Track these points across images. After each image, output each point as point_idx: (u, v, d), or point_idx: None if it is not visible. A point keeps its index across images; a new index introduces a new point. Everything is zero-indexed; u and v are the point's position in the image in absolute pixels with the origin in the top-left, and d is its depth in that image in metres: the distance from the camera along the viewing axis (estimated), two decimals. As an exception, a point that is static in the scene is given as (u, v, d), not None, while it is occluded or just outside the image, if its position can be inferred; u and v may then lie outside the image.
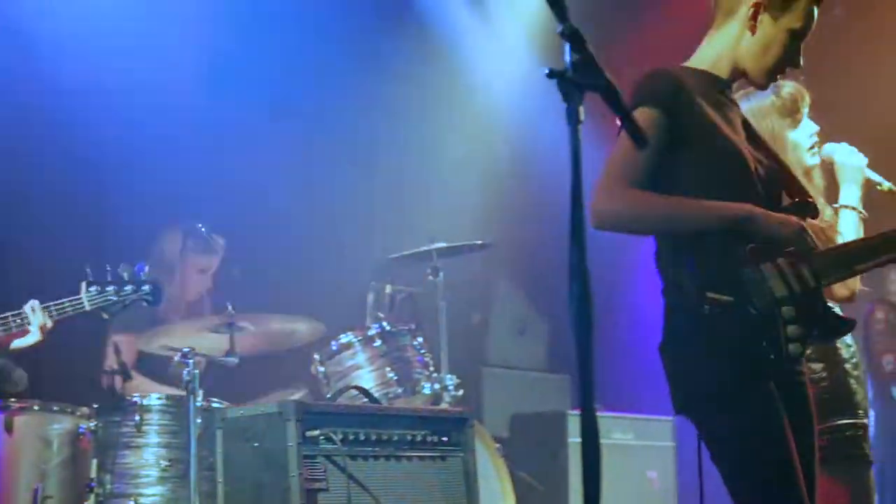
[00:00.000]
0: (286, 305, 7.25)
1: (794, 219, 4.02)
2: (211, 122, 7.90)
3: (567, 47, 2.98)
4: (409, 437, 5.28)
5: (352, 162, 8.44)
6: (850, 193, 5.22)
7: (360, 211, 8.14)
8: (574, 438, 7.68)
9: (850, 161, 5.27)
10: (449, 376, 7.06)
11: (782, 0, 4.15)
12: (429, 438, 5.36)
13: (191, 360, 6.46)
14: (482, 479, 5.75)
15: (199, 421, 6.29)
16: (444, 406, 6.80)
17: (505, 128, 9.33)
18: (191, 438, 6.28)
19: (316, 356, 7.05)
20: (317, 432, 4.92)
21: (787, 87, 5.47)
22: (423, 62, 9.07)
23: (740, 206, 3.95)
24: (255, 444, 5.07)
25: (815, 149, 5.40)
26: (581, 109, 2.95)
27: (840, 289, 5.05)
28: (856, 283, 5.23)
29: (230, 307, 6.66)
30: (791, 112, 5.42)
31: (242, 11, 8.32)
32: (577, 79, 2.95)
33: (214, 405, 6.49)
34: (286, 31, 8.48)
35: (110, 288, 4.51)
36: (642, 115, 3.93)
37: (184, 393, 6.36)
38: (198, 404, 6.38)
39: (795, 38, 4.18)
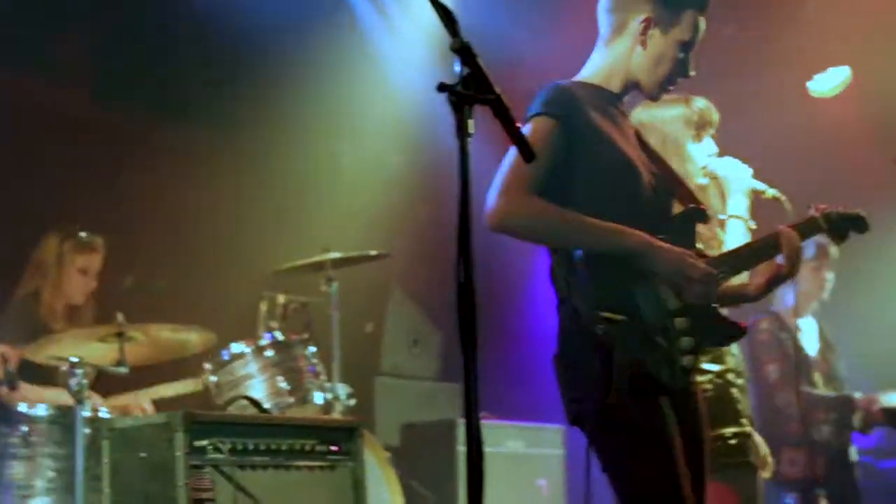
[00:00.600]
0: (177, 315, 7.22)
1: (684, 255, 4.05)
2: (100, 128, 7.86)
3: (457, 61, 3.03)
4: (298, 447, 5.27)
5: (245, 170, 8.42)
6: (737, 204, 5.27)
7: (253, 220, 8.11)
8: (464, 447, 7.68)
9: (735, 173, 5.34)
10: (341, 386, 7.07)
11: (670, 13, 4.23)
12: (318, 448, 5.36)
13: (79, 371, 6.42)
14: (372, 488, 5.76)
15: (86, 431, 6.24)
16: (335, 415, 6.80)
17: (401, 138, 9.35)
18: (77, 450, 6.23)
19: (207, 366, 7.01)
20: (205, 442, 4.90)
21: (700, 102, 5.55)
22: (319, 71, 9.07)
23: (638, 238, 3.97)
24: (143, 455, 5.03)
25: (707, 168, 5.47)
26: (471, 123, 2.99)
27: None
28: None
29: (120, 316, 6.62)
30: (697, 126, 5.47)
31: (133, 13, 8.27)
32: (467, 92, 2.99)
33: (102, 415, 6.45)
34: (178, 34, 8.44)
35: None
36: (538, 124, 3.99)
37: (72, 403, 6.32)
38: (85, 414, 6.33)
39: (684, 49, 4.27)
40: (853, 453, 7.04)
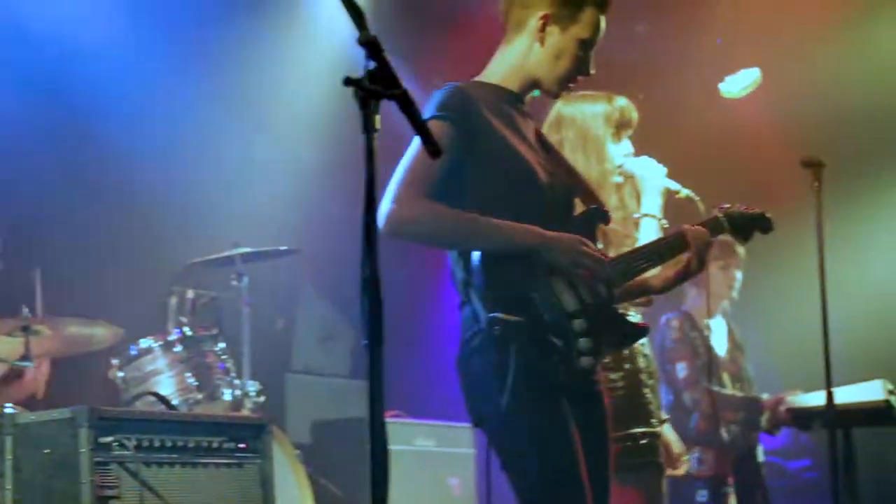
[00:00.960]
0: (85, 309, 7.16)
1: (575, 240, 4.05)
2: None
3: (364, 55, 3.01)
4: (205, 444, 5.24)
5: (154, 163, 8.36)
6: (651, 203, 5.31)
7: (162, 214, 8.04)
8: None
9: (650, 172, 5.37)
10: (251, 382, 7.05)
11: (569, 11, 4.21)
12: (226, 445, 5.33)
13: (-19, 364, 6.36)
14: (281, 486, 5.74)
15: (-9, 426, 6.18)
16: (245, 413, 6.78)
17: (317, 132, 9.32)
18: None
19: (114, 361, 6.97)
20: (110, 438, 4.84)
21: (622, 101, 5.58)
22: (228, 61, 9.03)
23: (531, 232, 3.98)
24: (46, 451, 4.98)
25: (623, 167, 5.50)
26: (377, 118, 2.98)
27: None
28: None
29: (25, 310, 6.56)
30: (618, 125, 5.49)
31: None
32: (374, 87, 2.98)
33: (6, 411, 6.38)
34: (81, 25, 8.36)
35: None
36: (434, 127, 3.93)
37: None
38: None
39: (584, 47, 4.25)
40: (760, 453, 7.09)
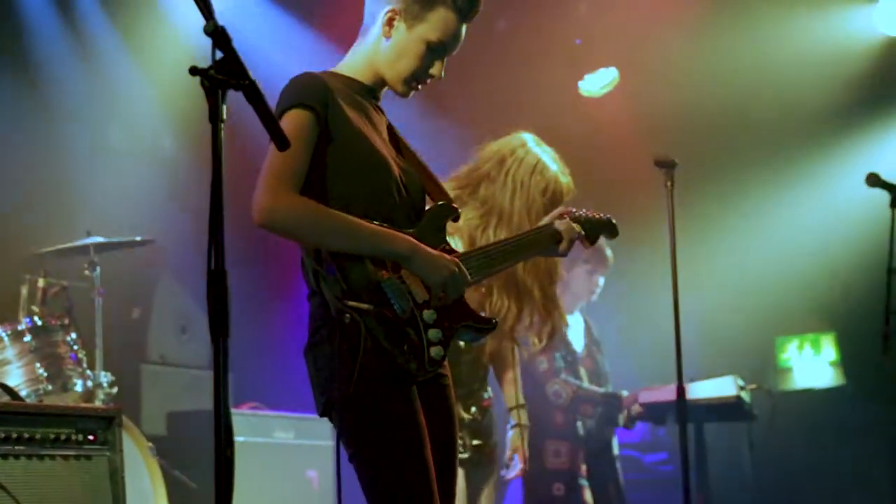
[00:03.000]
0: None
1: (449, 264, 4.07)
2: None
3: (211, 45, 3.02)
4: (52, 436, 5.18)
5: (5, 151, 8.27)
6: None
7: (12, 201, 7.96)
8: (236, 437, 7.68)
9: None
10: (104, 373, 7.00)
11: (418, 9, 4.18)
12: (74, 437, 5.27)
13: None
14: (132, 479, 5.70)
15: None
16: (98, 404, 6.73)
17: (175, 121, 9.29)
18: None
19: (-38, 350, 6.91)
20: (-47, 430, 4.82)
21: (567, 179, 5.61)
22: (86, 49, 8.97)
23: (404, 243, 3.99)
24: None
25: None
26: (224, 108, 2.99)
27: None
28: None
29: None
30: (552, 201, 5.47)
31: None
32: (220, 77, 2.99)
33: None
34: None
35: None
36: (294, 117, 3.95)
37: None
38: None
39: (432, 50, 4.20)
40: (615, 447, 7.18)
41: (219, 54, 3.02)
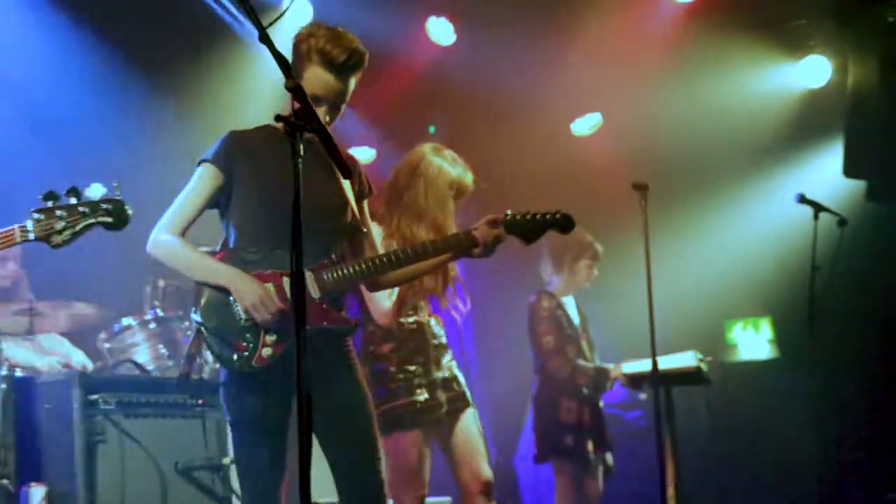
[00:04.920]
0: (78, 293, 7.12)
1: (255, 292, 3.87)
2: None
3: (291, 98, 3.05)
4: (172, 401, 5.26)
5: (120, 174, 8.21)
6: None
7: (136, 211, 7.97)
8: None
9: None
10: (209, 353, 7.03)
11: (296, 67, 4.04)
12: (189, 401, 5.35)
13: (-3, 338, 6.31)
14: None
15: (3, 387, 6.13)
16: (204, 376, 6.78)
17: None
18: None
19: (101, 335, 6.95)
20: (96, 396, 4.86)
21: (470, 176, 5.49)
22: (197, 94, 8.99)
23: (227, 275, 3.91)
24: (48, 406, 4.97)
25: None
26: (301, 146, 3.02)
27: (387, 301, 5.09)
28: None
29: (30, 295, 6.53)
30: (458, 189, 5.35)
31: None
32: (298, 123, 3.01)
33: (17, 375, 6.34)
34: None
35: (60, 213, 3.14)
36: (198, 171, 4.01)
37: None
38: (2, 373, 6.22)
39: (316, 102, 3.98)
40: (601, 405, 7.13)
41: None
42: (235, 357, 3.86)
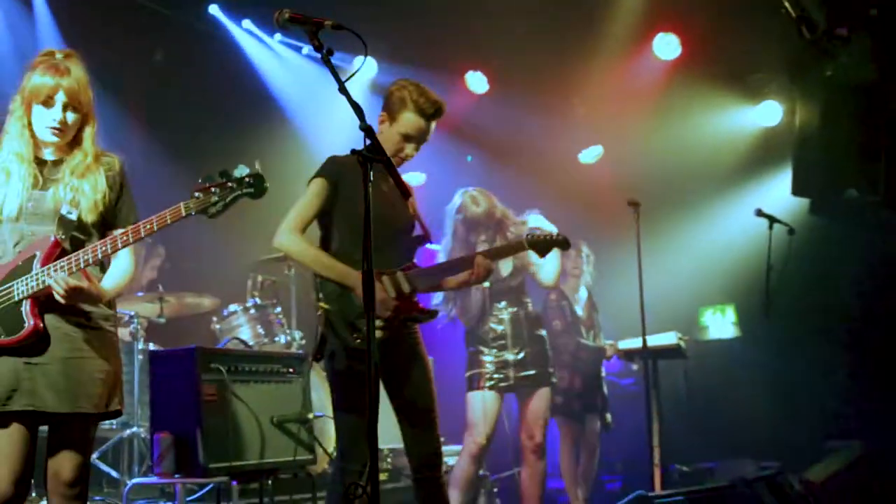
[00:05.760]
0: (197, 286, 7.19)
1: (380, 295, 3.84)
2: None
3: (364, 136, 3.08)
4: (268, 370, 5.27)
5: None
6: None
7: (243, 226, 8.04)
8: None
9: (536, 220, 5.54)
10: (297, 332, 7.07)
11: (393, 113, 4.06)
12: (281, 370, 5.36)
13: (135, 319, 6.38)
14: (315, 393, 5.78)
15: (140, 358, 6.20)
16: (293, 350, 6.82)
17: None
18: (135, 368, 6.19)
19: (214, 318, 7.01)
20: (211, 365, 4.90)
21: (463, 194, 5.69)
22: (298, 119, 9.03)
23: (353, 279, 3.79)
24: (175, 372, 5.02)
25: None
26: (371, 174, 3.04)
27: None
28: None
29: (160, 287, 6.60)
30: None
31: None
32: (369, 156, 3.04)
33: (151, 348, 6.41)
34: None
35: (214, 189, 3.10)
36: (314, 183, 3.96)
37: (131, 340, 6.28)
38: (140, 347, 6.29)
39: (406, 140, 4.04)
40: (603, 373, 7.09)
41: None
42: (354, 335, 3.82)
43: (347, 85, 3.10)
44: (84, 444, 3.34)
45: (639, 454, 6.70)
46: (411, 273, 4.02)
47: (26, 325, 3.22)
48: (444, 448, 4.48)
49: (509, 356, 5.62)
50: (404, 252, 4.09)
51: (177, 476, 4.71)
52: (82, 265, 3.22)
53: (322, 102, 8.80)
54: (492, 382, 5.56)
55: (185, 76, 8.28)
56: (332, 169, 3.98)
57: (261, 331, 6.84)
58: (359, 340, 3.81)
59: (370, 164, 3.05)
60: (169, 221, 3.17)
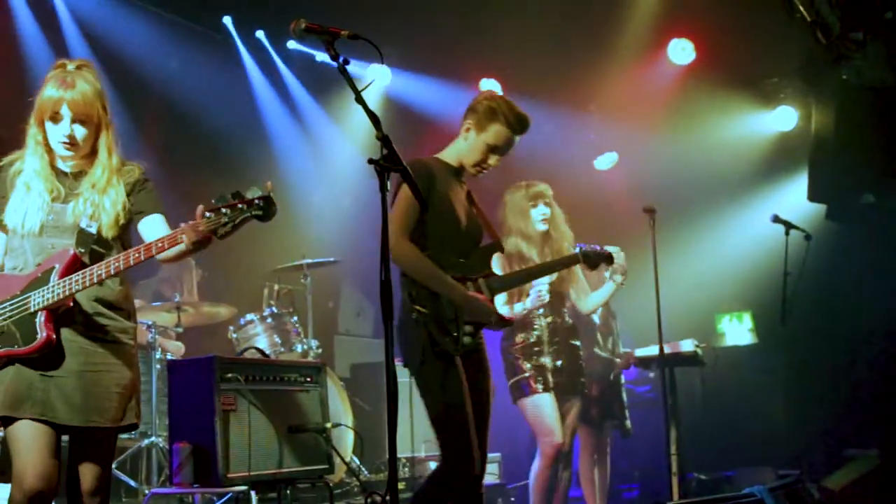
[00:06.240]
0: (213, 295, 7.21)
1: (483, 306, 3.96)
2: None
3: (381, 146, 3.07)
4: (286, 378, 5.27)
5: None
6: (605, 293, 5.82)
7: (260, 237, 8.06)
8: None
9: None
10: (313, 341, 7.06)
11: (482, 124, 4.09)
12: (298, 379, 5.35)
13: (153, 329, 6.40)
14: (332, 404, 5.77)
15: (158, 367, 6.21)
16: (310, 359, 6.82)
17: (351, 188, 9.33)
18: (152, 377, 6.20)
19: (231, 327, 7.01)
20: (229, 375, 4.89)
21: (539, 186, 5.67)
22: (301, 144, 9.06)
23: (461, 294, 3.89)
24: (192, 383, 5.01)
25: (543, 220, 5.69)
26: (388, 182, 3.04)
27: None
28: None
29: (177, 296, 6.61)
30: (533, 198, 5.68)
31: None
32: (386, 164, 3.03)
33: (169, 357, 6.41)
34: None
35: (225, 210, 3.06)
36: (407, 189, 3.84)
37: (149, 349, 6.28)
38: (158, 356, 6.30)
39: (490, 149, 4.11)
40: (622, 380, 7.04)
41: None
42: (448, 340, 3.86)
43: (363, 94, 3.10)
44: (103, 456, 3.34)
45: (656, 462, 6.67)
46: (490, 280, 4.12)
47: (39, 336, 3.21)
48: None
49: (547, 361, 5.64)
50: (482, 260, 4.16)
51: (195, 486, 4.70)
52: (95, 280, 3.20)
53: (336, 111, 8.84)
54: (542, 385, 5.58)
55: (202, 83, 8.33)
56: (425, 173, 3.99)
57: (277, 340, 6.84)
58: (451, 346, 3.85)
59: (387, 174, 3.04)
60: (179, 241, 3.14)
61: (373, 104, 3.60)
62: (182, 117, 8.19)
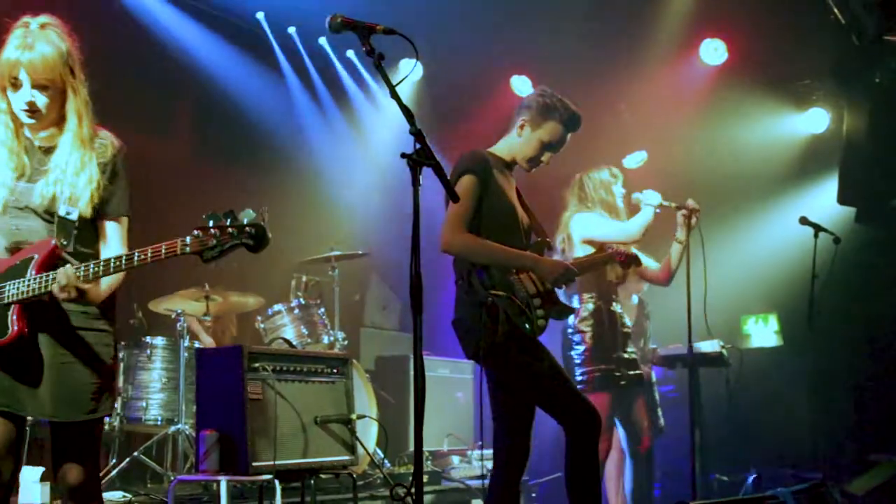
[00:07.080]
0: (241, 285, 7.23)
1: (560, 266, 4.03)
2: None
3: (414, 140, 3.07)
4: (313, 370, 5.27)
5: (289, 199, 8.36)
6: (646, 215, 5.70)
7: (290, 229, 8.08)
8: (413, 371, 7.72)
9: (648, 198, 5.70)
10: (340, 333, 7.09)
11: (538, 121, 4.16)
12: (325, 370, 5.35)
13: (182, 318, 6.43)
14: (357, 395, 5.77)
15: (185, 355, 6.25)
16: (336, 351, 6.84)
17: (382, 183, 9.33)
18: (181, 365, 6.24)
19: (258, 318, 7.05)
20: (257, 365, 4.91)
21: (607, 170, 5.71)
22: (327, 147, 9.07)
23: (530, 257, 3.99)
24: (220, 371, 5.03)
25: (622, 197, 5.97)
26: (420, 177, 3.03)
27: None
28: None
29: (206, 286, 6.64)
30: (615, 177, 6.02)
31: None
32: (419, 159, 3.02)
33: (196, 345, 6.45)
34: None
35: (214, 232, 2.85)
36: (467, 180, 3.96)
37: (177, 338, 6.32)
38: (185, 344, 6.34)
39: (543, 146, 4.18)
40: (654, 378, 7.00)
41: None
42: (525, 320, 3.90)
43: (397, 89, 3.10)
44: (83, 450, 3.18)
45: (678, 462, 6.64)
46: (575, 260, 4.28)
47: (10, 330, 3.05)
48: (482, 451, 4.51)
49: (625, 354, 5.78)
50: (539, 251, 4.19)
51: (221, 474, 4.73)
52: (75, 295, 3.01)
53: (368, 105, 8.85)
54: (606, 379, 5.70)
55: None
56: (481, 165, 4.02)
57: (304, 331, 6.86)
58: (529, 327, 3.89)
59: (420, 168, 3.04)
60: (164, 255, 2.90)
61: (406, 99, 3.60)
62: (218, 106, 8.24)
